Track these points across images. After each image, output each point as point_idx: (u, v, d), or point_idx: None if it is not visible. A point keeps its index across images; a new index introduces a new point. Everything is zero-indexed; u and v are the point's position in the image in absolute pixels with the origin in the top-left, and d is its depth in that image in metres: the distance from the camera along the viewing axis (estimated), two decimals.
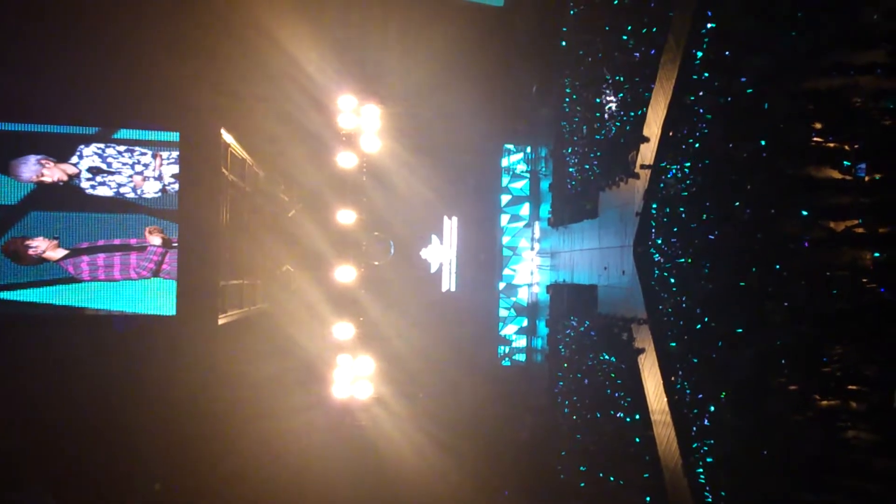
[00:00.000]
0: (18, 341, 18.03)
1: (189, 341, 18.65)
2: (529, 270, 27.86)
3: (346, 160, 21.61)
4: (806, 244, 11.70)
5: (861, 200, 11.26)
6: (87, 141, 18.68)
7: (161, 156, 18.94)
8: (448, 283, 27.41)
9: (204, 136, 19.04)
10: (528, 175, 28.13)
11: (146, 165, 18.86)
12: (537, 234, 27.51)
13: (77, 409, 18.14)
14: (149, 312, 18.92)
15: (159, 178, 18.91)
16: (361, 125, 21.70)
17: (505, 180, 28.20)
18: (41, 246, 18.38)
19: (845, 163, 11.31)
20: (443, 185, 25.85)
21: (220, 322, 19.27)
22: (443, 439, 22.18)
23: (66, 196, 18.65)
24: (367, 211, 22.75)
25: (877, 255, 10.96)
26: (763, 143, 12.71)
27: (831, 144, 11.75)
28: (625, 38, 18.80)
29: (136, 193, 18.81)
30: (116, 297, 18.82)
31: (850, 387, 11.30)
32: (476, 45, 24.91)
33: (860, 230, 11.24)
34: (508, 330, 28.10)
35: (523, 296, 28.12)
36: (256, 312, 22.55)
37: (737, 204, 13.36)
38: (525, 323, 28.09)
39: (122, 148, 18.83)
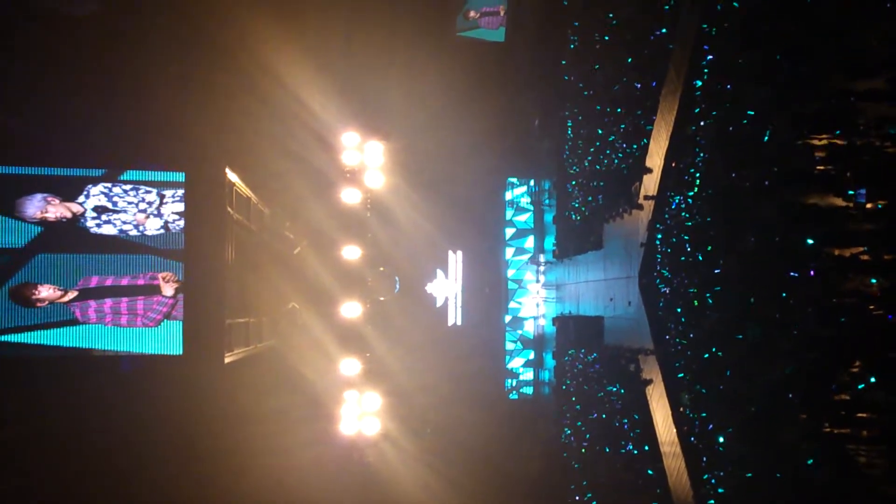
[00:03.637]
0: (26, 384, 18.03)
1: (196, 380, 18.64)
2: (535, 303, 27.84)
3: (350, 196, 21.67)
4: (812, 272, 11.70)
5: (866, 227, 11.29)
6: (95, 182, 18.82)
7: (164, 194, 19.04)
8: (454, 317, 27.39)
9: (209, 176, 19.17)
10: (531, 208, 28.21)
11: (150, 203, 18.97)
12: (542, 267, 27.52)
13: (85, 450, 18.09)
14: (156, 352, 18.93)
15: (159, 215, 19.00)
16: (365, 161, 21.80)
17: (509, 213, 28.28)
18: (49, 297, 18.47)
19: (850, 192, 11.35)
20: (447, 219, 25.91)
21: (227, 360, 19.26)
22: (451, 475, 22.03)
23: (72, 237, 18.74)
24: (372, 246, 22.78)
25: (873, 280, 10.99)
26: (766, 171, 12.76)
27: (834, 172, 11.81)
28: (625, 70, 18.95)
29: (138, 231, 18.89)
30: (123, 338, 18.85)
31: (859, 414, 11.25)
32: (478, 81, 25.10)
33: (866, 257, 11.26)
34: (515, 363, 28.04)
35: (529, 328, 28.09)
36: (263, 350, 22.53)
37: (741, 233, 13.38)
38: (532, 356, 28.02)
39: (128, 187, 18.95)
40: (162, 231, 19.00)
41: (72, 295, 18.58)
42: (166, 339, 18.98)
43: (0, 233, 18.47)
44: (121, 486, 18.34)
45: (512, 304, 28.06)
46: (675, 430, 15.45)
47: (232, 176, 19.79)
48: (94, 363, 18.76)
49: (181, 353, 18.93)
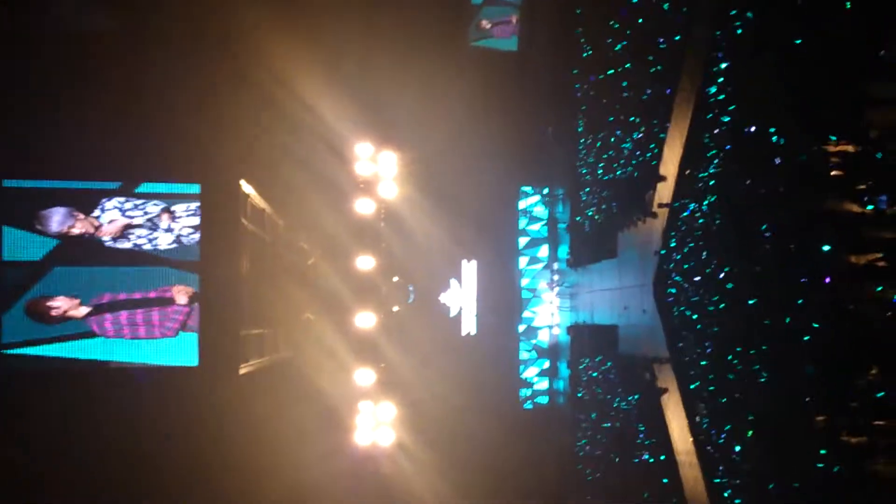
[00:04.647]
0: (43, 396, 18.08)
1: (211, 392, 18.65)
2: (549, 312, 27.75)
3: (364, 207, 21.69)
4: (827, 279, 11.62)
5: (883, 235, 11.22)
6: (110, 195, 18.89)
7: (171, 211, 19.04)
8: (468, 326, 27.34)
9: (224, 188, 19.23)
10: (545, 217, 28.16)
11: (148, 214, 18.99)
12: (556, 276, 27.45)
13: (101, 463, 18.12)
14: (171, 364, 18.96)
15: (170, 230, 19.02)
16: (379, 172, 21.81)
17: (522, 222, 28.24)
18: (63, 306, 18.52)
19: (866, 199, 11.29)
20: (460, 228, 25.89)
21: (242, 371, 19.28)
22: (466, 486, 21.98)
23: (88, 250, 18.81)
24: (386, 256, 22.78)
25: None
26: (781, 178, 12.70)
27: (850, 178, 11.75)
28: (638, 78, 18.94)
29: (151, 245, 18.94)
30: (139, 350, 18.89)
31: (876, 422, 11.17)
32: (491, 90, 25.14)
33: (882, 264, 11.18)
34: (530, 372, 27.94)
35: (544, 337, 27.99)
36: (278, 361, 22.55)
37: (756, 240, 13.32)
38: (546, 365, 27.93)
39: (139, 201, 19.00)
40: (175, 245, 19.04)
41: (86, 310, 18.64)
42: (182, 351, 19.02)
43: (16, 247, 18.54)
44: (135, 499, 18.38)
45: (526, 313, 27.99)
46: (690, 440, 15.39)
47: (246, 187, 19.85)
48: (110, 376, 18.81)
49: (196, 364, 18.95)
